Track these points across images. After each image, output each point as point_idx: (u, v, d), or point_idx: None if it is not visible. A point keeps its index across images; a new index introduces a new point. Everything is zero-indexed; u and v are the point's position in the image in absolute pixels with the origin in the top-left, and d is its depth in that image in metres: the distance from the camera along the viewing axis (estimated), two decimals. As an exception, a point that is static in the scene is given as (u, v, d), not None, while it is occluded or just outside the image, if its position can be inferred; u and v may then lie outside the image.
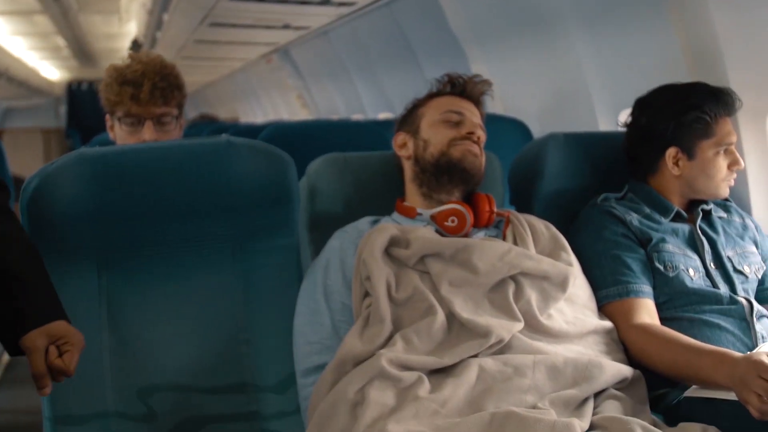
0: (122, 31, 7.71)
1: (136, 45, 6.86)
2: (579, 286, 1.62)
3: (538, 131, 2.86)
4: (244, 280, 1.58)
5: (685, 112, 1.82)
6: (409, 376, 1.34)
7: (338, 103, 6.04)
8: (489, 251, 1.51)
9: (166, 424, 1.48)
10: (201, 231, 1.56)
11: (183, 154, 1.53)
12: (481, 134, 1.70)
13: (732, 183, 1.86)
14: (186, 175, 1.53)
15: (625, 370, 1.47)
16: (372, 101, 5.21)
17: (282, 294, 1.58)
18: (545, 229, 1.68)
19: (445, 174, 1.64)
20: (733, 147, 1.82)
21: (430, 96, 1.77)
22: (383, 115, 4.95)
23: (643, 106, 1.92)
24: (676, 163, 1.85)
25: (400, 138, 1.74)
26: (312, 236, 1.72)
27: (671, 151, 1.85)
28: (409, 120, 1.76)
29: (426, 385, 1.34)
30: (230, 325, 1.56)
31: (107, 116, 2.10)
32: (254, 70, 8.01)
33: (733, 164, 1.82)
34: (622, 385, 1.46)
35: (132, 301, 1.51)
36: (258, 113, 9.96)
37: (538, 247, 1.62)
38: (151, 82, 1.99)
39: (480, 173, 1.68)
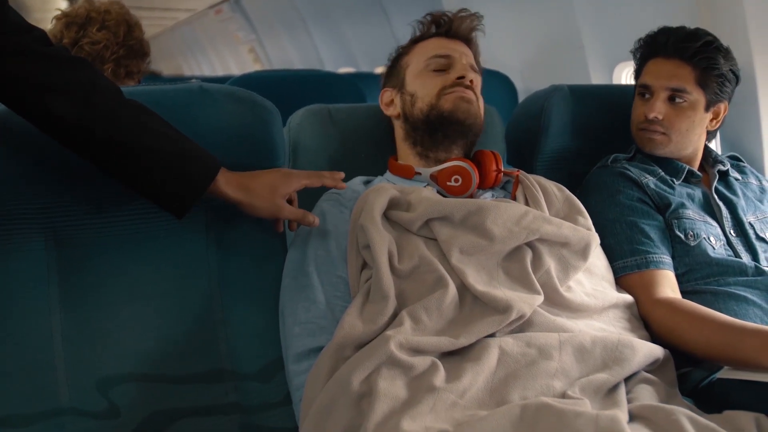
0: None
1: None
2: (597, 255, 1.46)
3: (521, 87, 2.68)
4: (219, 252, 1.36)
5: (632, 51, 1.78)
6: (421, 363, 1.14)
7: (293, 58, 5.77)
8: (504, 214, 1.32)
9: (131, 421, 1.26)
10: None
11: (148, 103, 1.27)
12: (475, 77, 1.52)
13: (652, 136, 1.70)
14: (152, 126, 1.29)
15: (657, 351, 1.31)
16: (331, 56, 4.97)
17: (264, 267, 1.37)
18: (558, 191, 1.50)
19: (438, 130, 1.46)
20: (656, 90, 1.69)
21: (414, 41, 1.58)
22: (343, 70, 4.71)
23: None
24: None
25: (386, 95, 1.56)
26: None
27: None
28: (393, 73, 1.57)
29: (441, 372, 1.14)
30: (204, 303, 1.34)
31: None
32: (201, 23, 7.70)
33: (645, 111, 1.71)
34: (653, 366, 1.30)
35: (87, 279, 1.27)
36: (205, 69, 9.61)
37: (552, 211, 1.45)
38: (114, 58, 1.74)
39: (478, 122, 1.49)
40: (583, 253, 1.37)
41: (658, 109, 1.67)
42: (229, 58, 8.10)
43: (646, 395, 1.22)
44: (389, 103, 1.55)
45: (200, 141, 1.30)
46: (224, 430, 1.31)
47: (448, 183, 1.43)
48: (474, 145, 1.52)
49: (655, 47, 1.70)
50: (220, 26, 7.10)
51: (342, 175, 1.37)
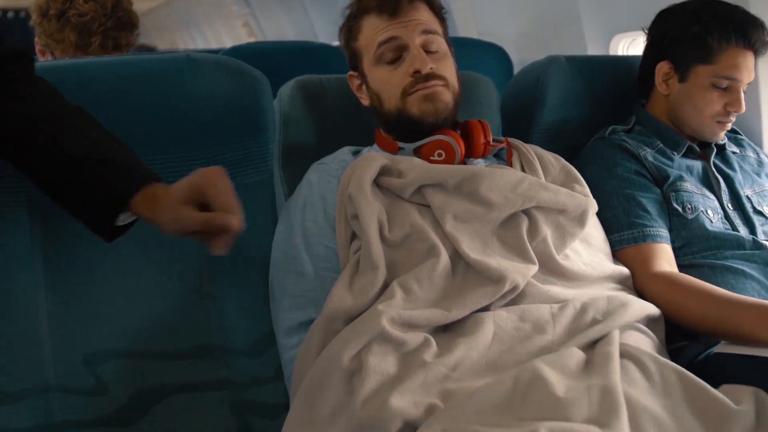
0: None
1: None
2: (594, 226, 1.44)
3: (516, 59, 2.63)
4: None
5: (688, 27, 1.63)
6: (413, 339, 1.12)
7: (287, 31, 5.71)
8: (500, 180, 1.29)
9: (119, 397, 1.25)
10: (156, 166, 1.26)
11: (133, 72, 1.25)
12: (436, 65, 1.37)
13: (727, 127, 1.67)
14: (137, 97, 1.26)
15: (650, 308, 1.31)
16: (326, 29, 4.91)
17: (254, 240, 1.34)
18: (554, 159, 1.48)
19: (411, 128, 1.39)
20: (739, 85, 1.62)
21: (355, 20, 1.43)
22: (338, 44, 4.65)
23: (658, 16, 1.72)
24: (666, 81, 1.69)
25: (354, 81, 1.47)
26: (285, 172, 1.49)
27: (663, 65, 1.69)
28: (351, 56, 1.46)
29: (433, 347, 1.12)
30: (192, 277, 1.32)
31: (36, 38, 1.79)
32: (195, -4, 7.59)
33: (730, 105, 1.63)
34: (645, 321, 1.30)
35: (73, 254, 1.24)
36: (199, 44, 9.51)
37: (549, 178, 1.42)
38: (102, 30, 1.70)
39: (448, 109, 1.38)
40: (581, 220, 1.34)
41: (743, 104, 1.63)
42: (224, 32, 8.02)
43: (641, 341, 1.22)
44: (358, 88, 1.47)
45: (187, 111, 1.29)
46: (214, 406, 1.30)
47: (432, 157, 1.37)
48: (456, 115, 1.43)
49: (743, 36, 1.59)
50: (214, 0, 7.02)
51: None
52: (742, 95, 1.63)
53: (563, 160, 1.48)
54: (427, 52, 1.37)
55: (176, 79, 1.28)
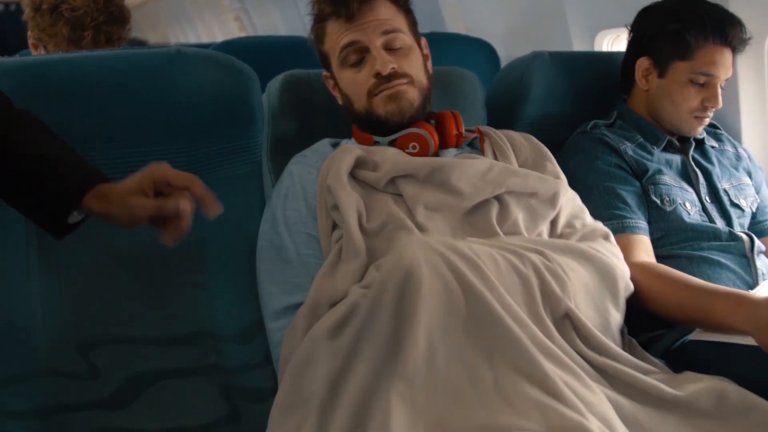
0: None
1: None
2: (569, 199, 1.44)
3: (503, 54, 2.67)
4: (198, 216, 1.35)
5: (667, 24, 1.67)
6: None
7: (278, 26, 5.72)
8: (469, 170, 1.33)
9: (111, 382, 1.28)
10: (146, 157, 1.29)
11: (124, 66, 1.28)
12: (399, 63, 1.37)
13: (705, 122, 1.71)
14: (129, 90, 1.28)
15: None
16: (317, 24, 4.91)
17: (243, 230, 1.38)
18: (525, 140, 1.51)
19: (379, 127, 1.42)
20: (716, 81, 1.66)
21: (318, 24, 1.43)
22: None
23: (639, 13, 1.76)
24: (645, 77, 1.73)
25: (329, 81, 1.48)
26: (273, 163, 1.52)
27: (642, 61, 1.73)
28: (323, 60, 1.47)
29: None
30: (184, 267, 1.35)
31: (29, 32, 1.81)
32: (186, -10, 7.57)
33: (707, 100, 1.67)
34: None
35: (66, 244, 1.26)
36: (191, 38, 9.48)
37: (521, 159, 1.46)
38: (94, 25, 1.72)
39: (414, 107, 1.39)
40: (552, 201, 1.37)
41: (720, 100, 1.67)
42: (215, 26, 8.01)
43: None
44: (333, 88, 1.48)
45: (177, 104, 1.31)
46: (205, 391, 1.33)
47: (406, 150, 1.40)
48: (427, 108, 1.44)
49: (720, 33, 1.63)
50: (206, -7, 7.01)
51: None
52: (719, 91, 1.67)
53: (534, 140, 1.51)
54: (390, 49, 1.38)
55: (167, 73, 1.30)
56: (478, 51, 2.60)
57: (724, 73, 1.66)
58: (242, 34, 6.79)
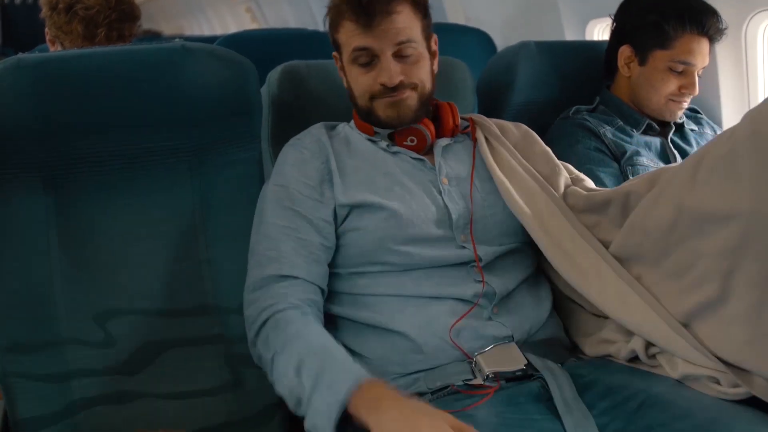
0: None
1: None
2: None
3: (501, 44, 2.76)
4: (202, 197, 1.48)
5: (648, 14, 1.77)
6: None
7: (289, 17, 5.82)
8: None
9: (125, 350, 1.40)
10: (155, 144, 1.44)
11: (134, 61, 1.40)
12: (407, 73, 1.39)
13: (683, 107, 1.80)
14: (138, 83, 1.41)
15: None
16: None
17: (243, 211, 1.48)
18: (515, 128, 1.57)
19: (378, 125, 1.46)
20: (693, 69, 1.75)
21: (335, 15, 1.43)
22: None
23: (622, 4, 1.86)
24: (627, 64, 1.82)
25: (338, 62, 1.49)
26: (274, 149, 1.62)
27: (624, 50, 1.83)
28: (334, 44, 1.48)
29: None
30: (190, 244, 1.47)
31: (47, 29, 1.93)
32: (200, -18, 7.67)
33: (685, 87, 1.76)
34: None
35: (83, 221, 1.40)
36: (205, 29, 9.60)
37: (511, 143, 1.51)
38: (107, 22, 1.84)
39: (412, 112, 1.41)
40: None
41: (697, 87, 1.76)
42: (228, 17, 8.12)
43: None
44: (340, 69, 1.49)
45: (183, 97, 1.43)
46: (210, 358, 1.45)
47: (405, 142, 1.43)
48: (428, 106, 1.46)
49: (697, 23, 1.72)
50: (219, -15, 7.11)
51: None
52: (696, 78, 1.76)
53: (524, 126, 1.58)
54: (401, 56, 1.38)
55: (173, 67, 1.42)
56: (475, 40, 2.69)
57: (701, 62, 1.75)
58: (254, 25, 6.91)
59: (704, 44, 1.74)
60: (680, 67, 1.75)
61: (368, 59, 1.39)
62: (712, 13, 1.73)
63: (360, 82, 1.42)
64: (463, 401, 1.19)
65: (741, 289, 1.09)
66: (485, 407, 1.17)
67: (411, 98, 1.41)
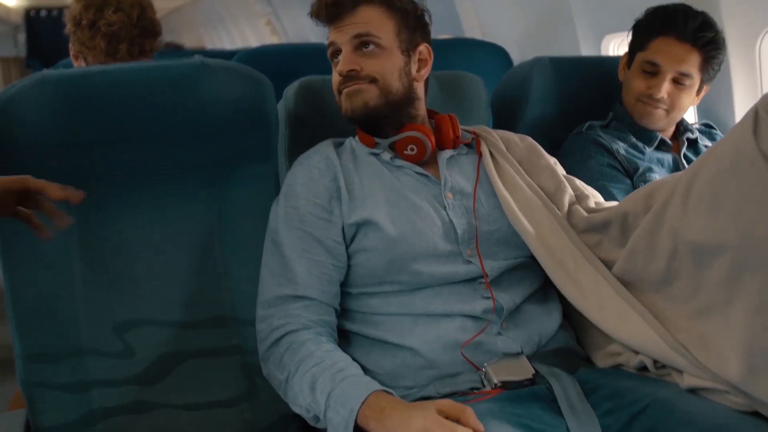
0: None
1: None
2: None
3: (518, 58, 2.78)
4: (220, 210, 1.51)
5: (637, 20, 1.83)
6: None
7: (308, 30, 5.87)
8: None
9: (143, 360, 1.43)
10: (175, 158, 1.48)
11: (155, 77, 1.44)
12: (364, 64, 1.40)
13: (656, 112, 1.80)
14: (158, 98, 1.44)
15: None
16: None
17: (260, 224, 1.51)
18: (519, 140, 1.57)
19: (359, 125, 1.48)
20: (663, 71, 1.76)
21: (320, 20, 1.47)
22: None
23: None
24: (623, 69, 1.88)
25: None
26: (291, 164, 1.64)
27: (624, 56, 1.88)
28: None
29: None
30: (207, 256, 1.50)
31: (71, 45, 1.98)
32: (221, -5, 7.76)
33: (650, 87, 1.78)
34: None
35: (104, 233, 1.44)
36: (225, 42, 9.70)
37: (515, 157, 1.52)
38: (129, 38, 1.89)
39: (368, 106, 1.41)
40: None
41: (666, 89, 1.77)
42: (248, 30, 8.20)
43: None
44: None
45: (202, 112, 1.47)
46: (226, 370, 1.47)
47: (405, 152, 1.43)
48: (413, 109, 1.46)
49: (671, 26, 1.74)
50: (239, -1, 7.19)
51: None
52: (666, 83, 1.76)
53: (529, 139, 1.58)
54: (360, 49, 1.40)
55: (192, 82, 1.46)
56: (492, 55, 2.70)
57: (671, 65, 1.76)
58: (274, 38, 6.97)
59: (677, 48, 1.74)
60: (650, 68, 1.78)
61: (335, 54, 1.44)
62: (700, 19, 1.74)
63: (333, 78, 1.46)
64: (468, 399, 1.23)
65: (740, 317, 1.09)
66: (489, 401, 1.21)
67: (368, 92, 1.41)
